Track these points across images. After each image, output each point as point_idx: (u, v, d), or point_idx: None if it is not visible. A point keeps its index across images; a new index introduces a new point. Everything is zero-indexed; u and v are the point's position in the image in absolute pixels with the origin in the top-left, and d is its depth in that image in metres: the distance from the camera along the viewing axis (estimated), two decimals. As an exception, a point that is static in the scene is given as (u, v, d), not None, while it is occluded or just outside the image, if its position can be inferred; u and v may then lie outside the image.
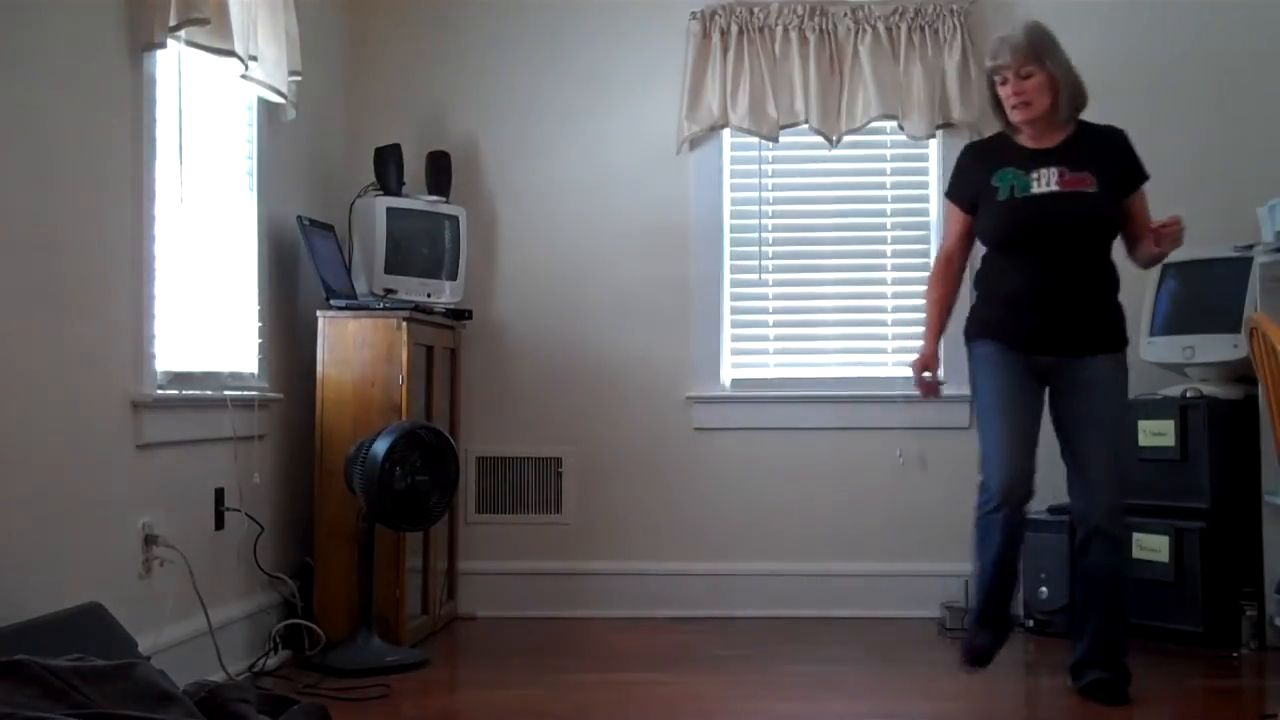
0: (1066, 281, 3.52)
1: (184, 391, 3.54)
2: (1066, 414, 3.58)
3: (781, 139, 4.81)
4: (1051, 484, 4.69)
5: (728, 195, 4.95)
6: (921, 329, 4.82)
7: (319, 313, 4.23)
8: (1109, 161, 3.57)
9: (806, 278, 4.93)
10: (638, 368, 4.92)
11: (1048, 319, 3.53)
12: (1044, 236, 3.50)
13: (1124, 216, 3.58)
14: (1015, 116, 3.56)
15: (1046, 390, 3.59)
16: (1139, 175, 3.62)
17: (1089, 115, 4.79)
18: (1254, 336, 2.95)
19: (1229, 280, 4.38)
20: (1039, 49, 3.53)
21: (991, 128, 4.77)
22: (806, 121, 4.79)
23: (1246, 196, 4.54)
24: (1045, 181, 3.53)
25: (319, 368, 4.23)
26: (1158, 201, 4.78)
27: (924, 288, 4.87)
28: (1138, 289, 4.63)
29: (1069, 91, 3.55)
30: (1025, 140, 3.60)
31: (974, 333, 3.66)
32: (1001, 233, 3.58)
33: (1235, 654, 4.13)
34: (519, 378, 4.95)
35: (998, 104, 3.62)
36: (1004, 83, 3.56)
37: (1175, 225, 3.46)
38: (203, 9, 3.33)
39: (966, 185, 3.67)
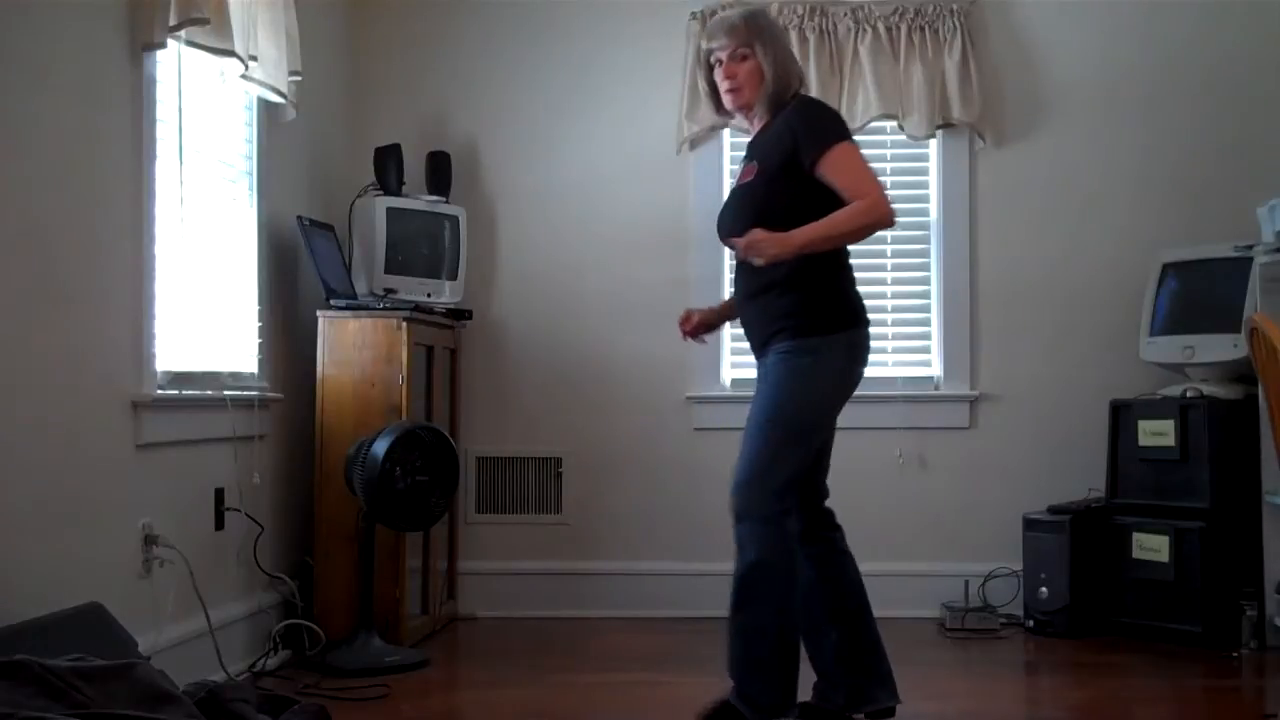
0: (746, 280, 3.26)
1: (184, 391, 3.54)
2: None
3: (781, 139, 4.81)
4: (1049, 483, 4.72)
5: (727, 195, 4.94)
6: (922, 328, 4.89)
7: (319, 313, 4.23)
8: (773, 144, 3.20)
9: (806, 278, 4.91)
10: (638, 368, 4.91)
11: (744, 321, 3.34)
12: (723, 237, 3.29)
13: (827, 193, 3.13)
14: (726, 102, 3.28)
15: None
16: (809, 146, 3.13)
17: (1087, 116, 4.85)
18: (1254, 336, 2.95)
19: (1229, 280, 4.38)
20: (755, 32, 3.21)
21: (992, 127, 4.83)
22: (806, 121, 4.78)
23: (1246, 196, 4.54)
24: (740, 177, 3.33)
25: (319, 368, 4.23)
26: (1161, 203, 4.83)
27: (925, 286, 4.91)
28: (1138, 289, 4.66)
29: (775, 85, 3.21)
30: (751, 130, 3.34)
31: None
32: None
33: (1235, 654, 4.13)
34: (519, 378, 4.95)
35: (713, 90, 3.30)
36: (718, 64, 3.25)
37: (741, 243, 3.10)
38: (203, 9, 3.33)
39: None
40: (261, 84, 3.87)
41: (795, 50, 4.76)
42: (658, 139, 4.90)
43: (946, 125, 4.81)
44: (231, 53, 3.53)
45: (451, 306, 4.70)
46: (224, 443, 3.73)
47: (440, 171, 4.74)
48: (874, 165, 4.76)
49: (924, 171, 4.93)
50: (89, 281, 3.11)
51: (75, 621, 2.80)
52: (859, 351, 3.28)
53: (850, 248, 3.27)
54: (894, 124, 4.80)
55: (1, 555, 2.76)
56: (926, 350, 4.89)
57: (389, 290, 4.42)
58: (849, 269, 3.32)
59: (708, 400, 4.88)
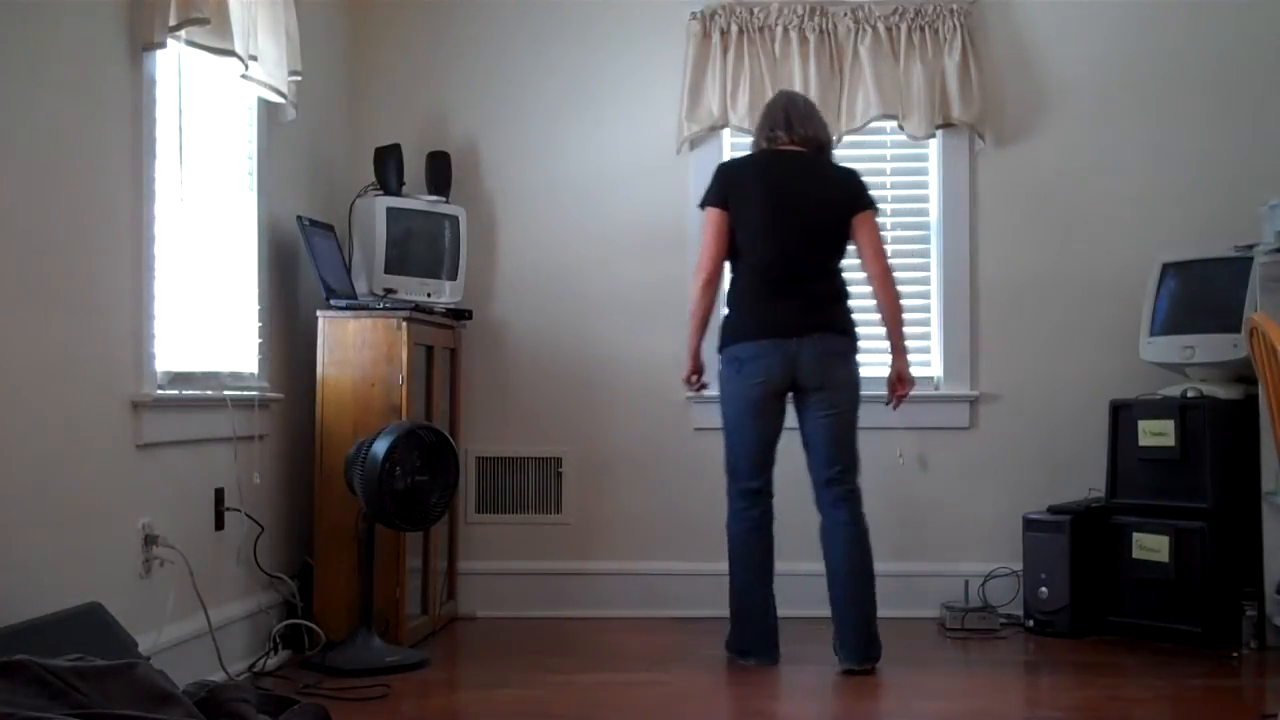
0: None
1: (184, 391, 3.54)
2: None
3: (781, 139, 4.80)
4: (1049, 483, 4.72)
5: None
6: (924, 328, 4.90)
7: (319, 313, 4.23)
8: None
9: (806, 278, 4.91)
10: (638, 367, 4.92)
11: None
12: None
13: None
14: None
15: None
16: None
17: (1087, 116, 4.85)
18: (1254, 336, 2.95)
19: (1229, 280, 4.38)
20: None
21: (992, 127, 4.83)
22: (806, 121, 4.78)
23: (1246, 196, 4.55)
24: None
25: (319, 368, 4.23)
26: (1158, 203, 4.83)
27: (925, 286, 4.92)
28: (1138, 289, 4.66)
29: None
30: None
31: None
32: None
33: (1235, 654, 4.14)
34: (519, 378, 4.95)
35: None
36: None
37: None
38: (203, 9, 3.33)
39: None
40: (261, 84, 3.87)
41: (795, 50, 4.79)
42: (658, 139, 4.90)
43: (946, 125, 4.82)
44: (231, 53, 3.52)
45: (451, 306, 4.70)
46: (224, 443, 3.73)
47: (440, 171, 4.74)
48: (874, 165, 4.86)
49: (924, 171, 4.94)
50: (89, 281, 3.11)
51: (75, 621, 2.80)
52: (741, 364, 3.98)
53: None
54: (894, 124, 4.80)
55: (1, 555, 2.76)
56: (926, 350, 4.89)
57: (389, 290, 4.42)
58: (751, 293, 4.02)
59: (708, 400, 4.88)
